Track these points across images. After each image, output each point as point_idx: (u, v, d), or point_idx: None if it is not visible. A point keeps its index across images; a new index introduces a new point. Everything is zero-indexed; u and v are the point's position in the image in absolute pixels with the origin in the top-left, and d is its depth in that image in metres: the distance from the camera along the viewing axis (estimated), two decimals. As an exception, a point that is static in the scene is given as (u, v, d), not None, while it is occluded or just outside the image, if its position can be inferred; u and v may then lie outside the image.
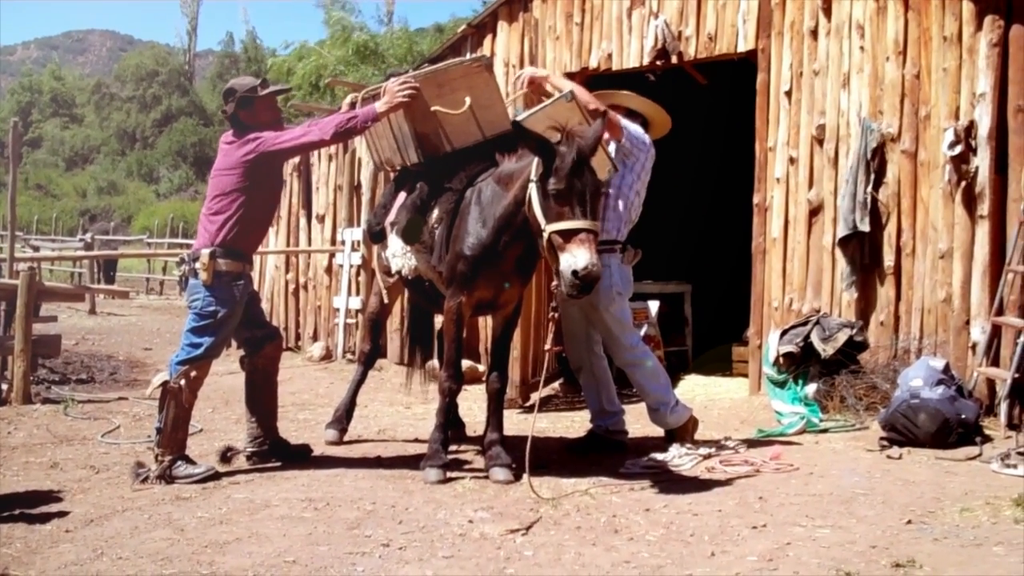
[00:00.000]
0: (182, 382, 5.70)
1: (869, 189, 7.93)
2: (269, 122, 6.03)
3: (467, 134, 6.08)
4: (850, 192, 7.99)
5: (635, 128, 6.63)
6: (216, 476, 5.76)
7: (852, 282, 8.10)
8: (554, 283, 5.39)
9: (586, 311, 6.61)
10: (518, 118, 6.01)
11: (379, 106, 5.83)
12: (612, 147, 6.44)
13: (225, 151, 5.88)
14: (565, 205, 5.08)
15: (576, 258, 4.96)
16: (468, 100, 5.99)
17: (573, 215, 5.06)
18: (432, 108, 5.94)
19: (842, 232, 8.04)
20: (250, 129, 5.88)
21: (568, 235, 5.04)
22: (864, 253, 8.08)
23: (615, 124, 6.41)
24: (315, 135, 5.76)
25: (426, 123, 6.01)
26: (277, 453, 6.22)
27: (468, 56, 6.20)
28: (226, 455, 6.08)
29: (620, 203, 6.54)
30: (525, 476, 5.35)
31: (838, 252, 8.24)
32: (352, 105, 6.37)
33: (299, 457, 6.26)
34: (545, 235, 5.14)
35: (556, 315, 5.75)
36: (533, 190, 5.25)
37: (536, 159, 5.27)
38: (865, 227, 7.92)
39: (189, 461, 5.79)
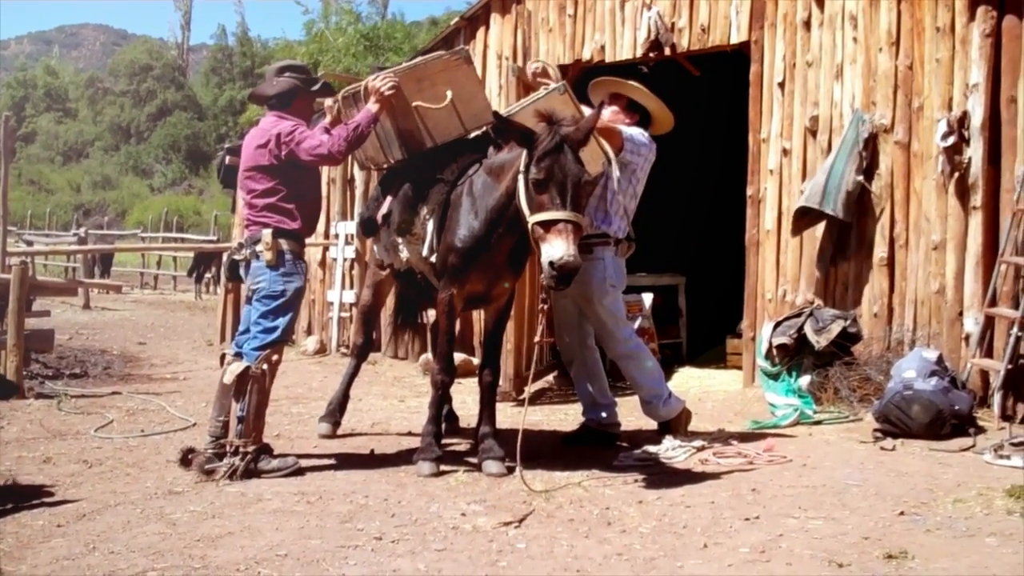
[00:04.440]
0: (264, 367, 5.66)
1: (859, 177, 7.90)
2: (306, 116, 6.07)
3: (450, 128, 6.05)
4: (836, 174, 7.93)
5: (635, 134, 6.59)
6: (301, 470, 5.74)
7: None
8: (541, 275, 5.38)
9: (579, 304, 6.60)
10: (509, 111, 5.98)
11: (372, 107, 5.80)
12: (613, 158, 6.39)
13: (257, 151, 5.82)
14: (544, 195, 5.07)
15: (553, 248, 4.95)
16: (449, 94, 5.95)
17: (552, 205, 5.04)
18: (413, 104, 5.90)
19: (801, 203, 8.09)
20: (286, 114, 5.88)
21: (547, 226, 5.02)
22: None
23: (615, 133, 6.37)
24: (328, 149, 5.70)
25: (408, 119, 5.96)
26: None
27: (452, 49, 6.14)
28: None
29: (620, 206, 6.52)
30: (518, 469, 5.34)
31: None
32: (335, 111, 6.31)
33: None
34: (529, 226, 5.14)
35: (546, 307, 5.72)
36: (520, 181, 5.25)
37: (524, 150, 5.26)
38: (838, 212, 7.89)
39: (271, 455, 5.80)
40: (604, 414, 6.74)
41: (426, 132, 6.01)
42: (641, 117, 6.81)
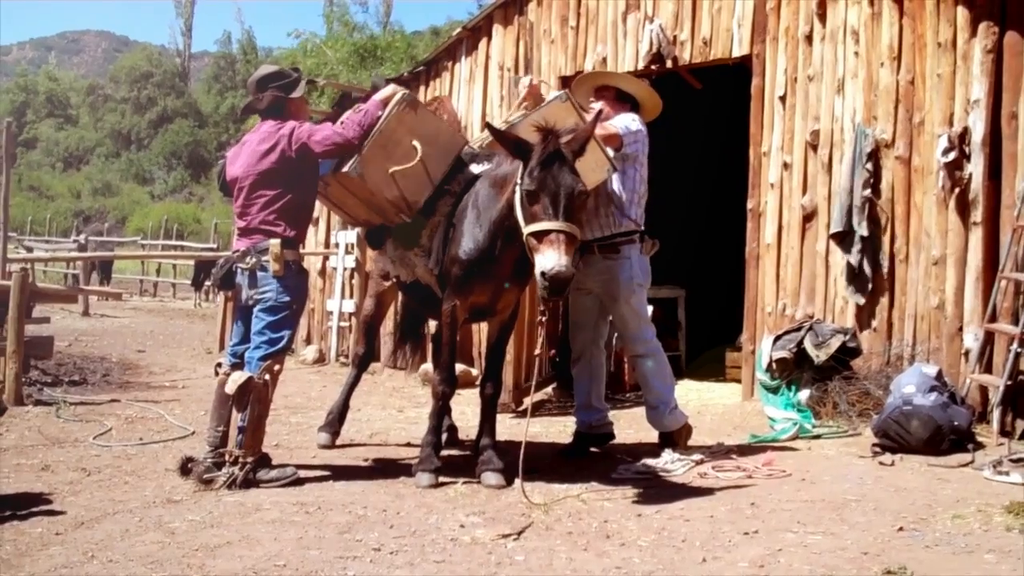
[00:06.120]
0: (267, 377, 5.67)
1: (867, 192, 7.91)
2: (303, 117, 6.09)
3: (429, 175, 5.98)
4: (847, 192, 7.98)
5: (628, 123, 6.57)
6: (299, 480, 5.73)
7: (855, 288, 8.12)
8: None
9: (605, 303, 6.61)
10: (511, 122, 5.97)
11: (378, 97, 5.89)
12: (612, 154, 6.41)
13: (263, 157, 5.79)
14: (537, 205, 5.06)
15: (545, 259, 4.93)
16: (418, 145, 5.87)
17: (545, 216, 5.02)
18: (390, 171, 5.82)
19: (834, 228, 8.09)
20: (282, 119, 5.88)
21: (540, 236, 5.01)
22: (864, 258, 8.07)
23: (614, 136, 6.38)
24: (343, 136, 5.72)
25: (390, 188, 5.87)
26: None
27: (397, 95, 6.01)
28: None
29: (632, 195, 6.53)
30: (517, 481, 5.34)
31: (832, 258, 8.26)
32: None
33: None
34: (524, 237, 5.14)
35: (545, 319, 5.71)
36: (518, 192, 5.25)
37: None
38: (863, 231, 7.89)
39: (270, 464, 5.79)
40: (595, 418, 6.76)
41: (413, 190, 5.93)
42: (631, 106, 6.81)
